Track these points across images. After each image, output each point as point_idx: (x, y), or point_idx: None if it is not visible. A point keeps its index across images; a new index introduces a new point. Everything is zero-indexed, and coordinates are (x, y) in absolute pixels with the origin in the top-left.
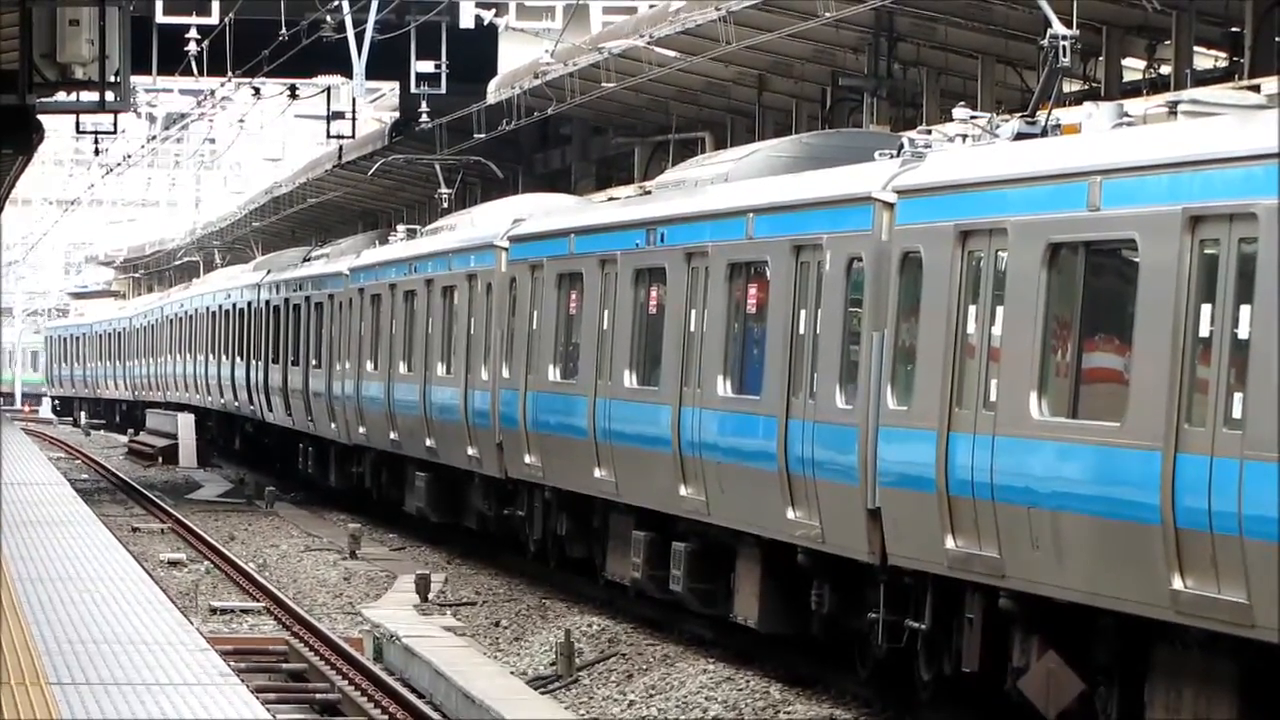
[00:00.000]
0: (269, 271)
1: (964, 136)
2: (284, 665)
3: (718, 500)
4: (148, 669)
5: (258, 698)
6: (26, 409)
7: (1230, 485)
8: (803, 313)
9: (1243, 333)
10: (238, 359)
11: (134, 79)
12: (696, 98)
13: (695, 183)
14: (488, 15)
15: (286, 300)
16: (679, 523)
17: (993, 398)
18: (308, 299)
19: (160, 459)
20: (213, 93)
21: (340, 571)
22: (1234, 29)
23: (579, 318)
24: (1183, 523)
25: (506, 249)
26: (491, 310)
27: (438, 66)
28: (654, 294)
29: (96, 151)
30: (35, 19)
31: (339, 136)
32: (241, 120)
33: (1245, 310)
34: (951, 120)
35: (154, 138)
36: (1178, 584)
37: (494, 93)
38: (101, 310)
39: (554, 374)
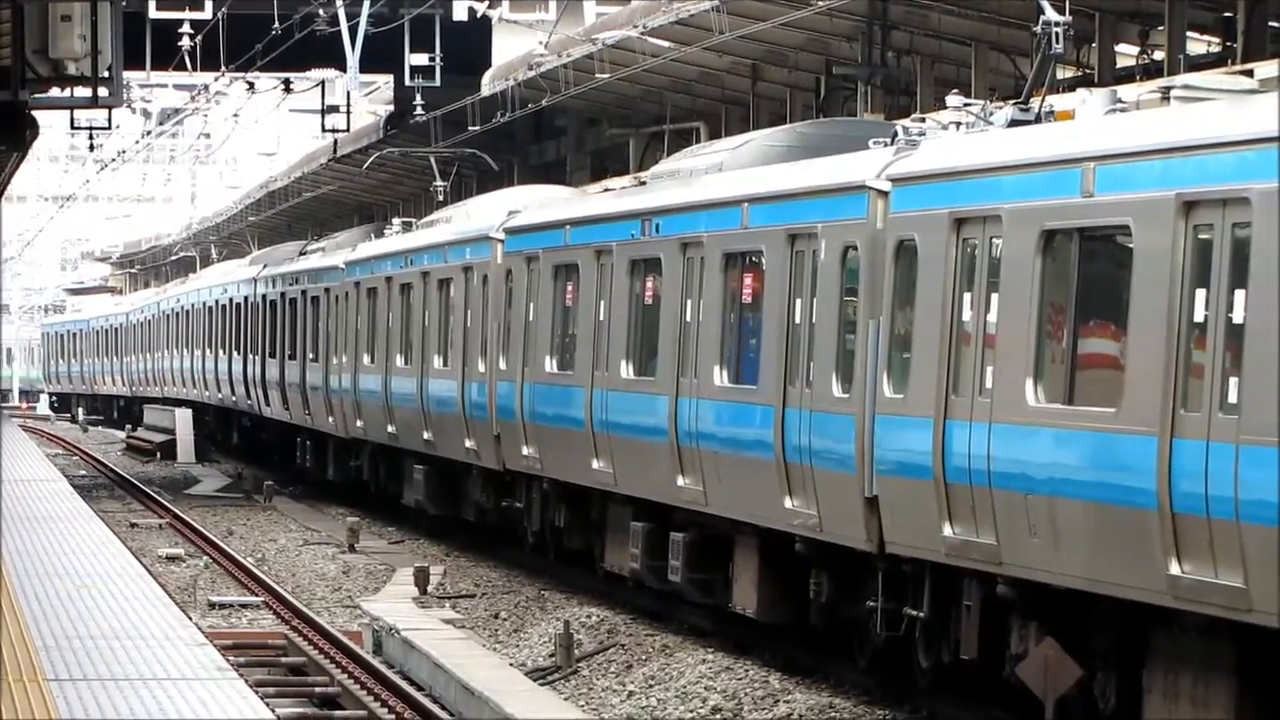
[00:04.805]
0: (265, 266)
1: (958, 124)
2: (283, 659)
3: (715, 490)
4: (146, 664)
5: (256, 692)
6: (24, 406)
7: (1226, 470)
8: (798, 302)
9: (1237, 317)
10: (235, 354)
11: (127, 74)
12: (691, 88)
13: (690, 173)
14: (481, 7)
15: (283, 294)
16: (677, 513)
17: (988, 385)
18: (304, 293)
19: (158, 454)
20: (206, 87)
21: (339, 565)
22: (1226, 14)
23: (575, 309)
24: (1179, 508)
25: (502, 241)
26: (488, 302)
27: (432, 59)
28: (650, 285)
29: (91, 147)
30: (27, 15)
31: (334, 130)
32: (236, 115)
33: (1240, 295)
34: (945, 108)
35: (149, 133)
36: (1175, 569)
37: (488, 85)
38: (98, 306)
39: (551, 365)
